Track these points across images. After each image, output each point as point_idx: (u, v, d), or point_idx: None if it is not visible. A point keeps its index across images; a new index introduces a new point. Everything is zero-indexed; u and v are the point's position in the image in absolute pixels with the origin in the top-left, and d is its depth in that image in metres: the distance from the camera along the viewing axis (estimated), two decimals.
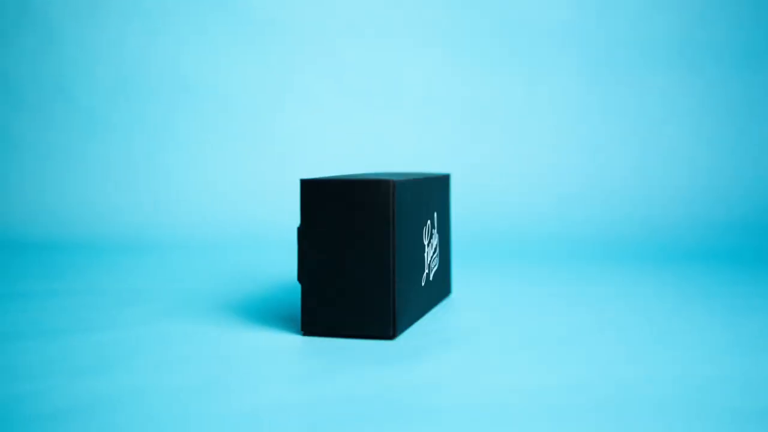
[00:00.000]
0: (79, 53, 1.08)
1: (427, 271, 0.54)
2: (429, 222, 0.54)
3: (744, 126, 1.15)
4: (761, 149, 1.14)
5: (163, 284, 0.69)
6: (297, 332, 0.51)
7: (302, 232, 0.48)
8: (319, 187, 0.47)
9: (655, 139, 1.13)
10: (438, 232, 0.57)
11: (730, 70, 1.15)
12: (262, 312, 0.57)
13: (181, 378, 0.41)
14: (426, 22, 1.12)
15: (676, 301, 0.62)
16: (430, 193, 0.54)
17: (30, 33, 1.08)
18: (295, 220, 1.02)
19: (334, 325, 0.48)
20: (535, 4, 1.13)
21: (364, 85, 1.11)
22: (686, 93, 1.15)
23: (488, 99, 1.12)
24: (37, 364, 0.43)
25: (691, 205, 1.08)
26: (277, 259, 0.83)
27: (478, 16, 1.12)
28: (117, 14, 1.09)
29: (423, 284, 0.53)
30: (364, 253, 0.47)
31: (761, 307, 0.60)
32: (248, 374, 0.42)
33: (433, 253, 0.55)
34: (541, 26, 1.13)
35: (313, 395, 0.38)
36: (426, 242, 0.53)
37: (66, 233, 0.98)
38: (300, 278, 0.48)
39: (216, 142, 1.08)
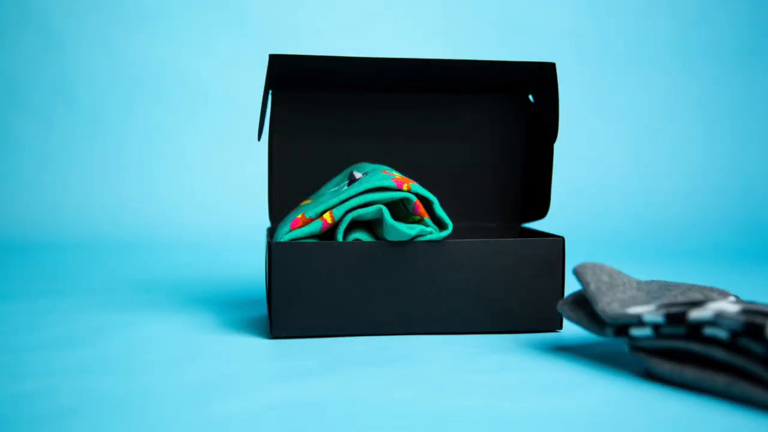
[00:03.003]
0: (79, 54, 1.08)
1: None
2: None
3: (742, 125, 1.15)
4: (760, 148, 1.14)
5: (164, 285, 0.69)
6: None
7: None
8: None
9: (652, 138, 1.13)
10: None
11: (727, 70, 1.15)
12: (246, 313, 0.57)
13: (183, 378, 0.41)
14: (426, 23, 1.12)
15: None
16: None
17: (30, 34, 1.08)
18: None
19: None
20: (533, 4, 1.13)
21: None
22: (684, 92, 1.15)
23: None
24: (35, 363, 0.44)
25: (688, 205, 1.08)
26: None
27: (477, 16, 1.12)
28: (117, 15, 1.09)
29: None
30: None
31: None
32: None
33: None
34: (539, 26, 1.13)
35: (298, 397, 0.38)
36: None
37: (66, 233, 0.98)
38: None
39: (217, 143, 1.09)
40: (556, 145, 1.12)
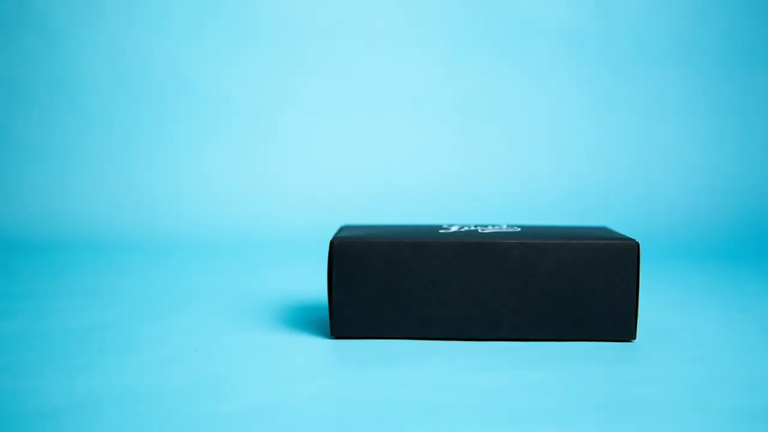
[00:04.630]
0: (79, 53, 1.08)
1: None
2: None
3: (743, 125, 1.15)
4: (761, 148, 1.14)
5: (163, 283, 0.69)
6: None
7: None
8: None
9: (653, 138, 1.13)
10: None
11: (728, 69, 1.15)
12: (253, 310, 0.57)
13: (195, 376, 0.41)
14: (426, 23, 1.12)
15: (677, 299, 0.62)
16: None
17: (30, 33, 1.08)
18: (295, 221, 1.02)
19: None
20: (534, 3, 1.13)
21: (364, 86, 1.11)
22: (685, 92, 1.15)
23: (486, 99, 1.12)
24: (35, 363, 0.44)
25: (689, 205, 1.08)
26: (274, 262, 0.84)
27: (478, 16, 1.12)
28: (117, 14, 1.09)
29: None
30: None
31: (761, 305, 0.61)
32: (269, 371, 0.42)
33: None
34: (540, 26, 1.13)
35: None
36: None
37: (66, 233, 0.98)
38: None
39: (216, 143, 1.09)
40: (558, 145, 1.12)
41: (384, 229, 0.52)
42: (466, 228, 0.52)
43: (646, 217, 1.05)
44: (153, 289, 0.66)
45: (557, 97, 1.13)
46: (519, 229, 0.51)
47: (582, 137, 1.12)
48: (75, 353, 0.45)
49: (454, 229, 0.52)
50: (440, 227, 0.53)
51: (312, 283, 0.68)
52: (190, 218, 1.02)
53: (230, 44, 1.10)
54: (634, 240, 0.48)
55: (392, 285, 0.48)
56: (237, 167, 1.07)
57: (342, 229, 0.52)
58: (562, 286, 0.48)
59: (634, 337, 0.48)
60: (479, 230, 0.51)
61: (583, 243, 0.47)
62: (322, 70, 1.10)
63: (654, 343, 0.48)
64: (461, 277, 0.48)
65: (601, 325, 0.48)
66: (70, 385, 0.39)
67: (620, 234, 0.50)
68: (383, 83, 1.11)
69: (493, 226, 0.53)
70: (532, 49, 1.12)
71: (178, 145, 1.08)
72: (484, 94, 1.12)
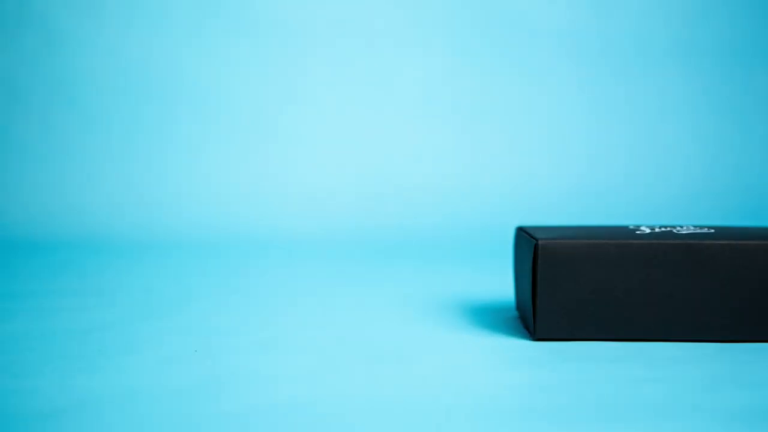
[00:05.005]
0: (79, 53, 1.08)
1: None
2: None
3: (742, 125, 1.15)
4: (761, 148, 1.14)
5: (163, 283, 0.69)
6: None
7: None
8: None
9: (652, 138, 1.13)
10: None
11: (728, 69, 1.15)
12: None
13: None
14: (426, 23, 1.12)
15: None
16: None
17: (30, 33, 1.08)
18: (292, 222, 1.02)
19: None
20: (534, 3, 1.13)
21: (364, 86, 1.11)
22: (685, 92, 1.15)
23: (486, 99, 1.12)
24: (35, 363, 0.44)
25: (689, 204, 1.08)
26: (273, 263, 0.84)
27: (478, 16, 1.12)
28: (117, 14, 1.09)
29: None
30: None
31: None
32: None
33: None
34: (540, 26, 1.13)
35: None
36: None
37: (66, 233, 0.98)
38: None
39: (216, 143, 1.09)
40: (558, 145, 1.12)
41: (575, 230, 0.52)
42: (659, 229, 0.52)
43: (647, 217, 1.05)
44: (153, 289, 0.66)
45: (557, 97, 1.13)
46: (713, 230, 0.51)
47: (582, 137, 1.12)
48: (75, 353, 0.45)
49: (646, 230, 0.52)
50: (628, 228, 0.53)
51: (327, 282, 0.68)
52: (190, 218, 1.02)
53: (230, 44, 1.10)
54: None
55: (596, 286, 0.48)
56: (237, 167, 1.07)
57: (528, 230, 0.52)
58: (746, 287, 0.48)
59: None
60: (674, 231, 0.51)
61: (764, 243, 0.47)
62: (322, 70, 1.10)
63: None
64: (665, 278, 0.48)
65: None
66: (70, 385, 0.39)
67: None
68: (383, 84, 1.11)
69: (681, 226, 0.54)
70: (532, 49, 1.12)
71: (178, 145, 1.08)
72: (484, 94, 1.12)
